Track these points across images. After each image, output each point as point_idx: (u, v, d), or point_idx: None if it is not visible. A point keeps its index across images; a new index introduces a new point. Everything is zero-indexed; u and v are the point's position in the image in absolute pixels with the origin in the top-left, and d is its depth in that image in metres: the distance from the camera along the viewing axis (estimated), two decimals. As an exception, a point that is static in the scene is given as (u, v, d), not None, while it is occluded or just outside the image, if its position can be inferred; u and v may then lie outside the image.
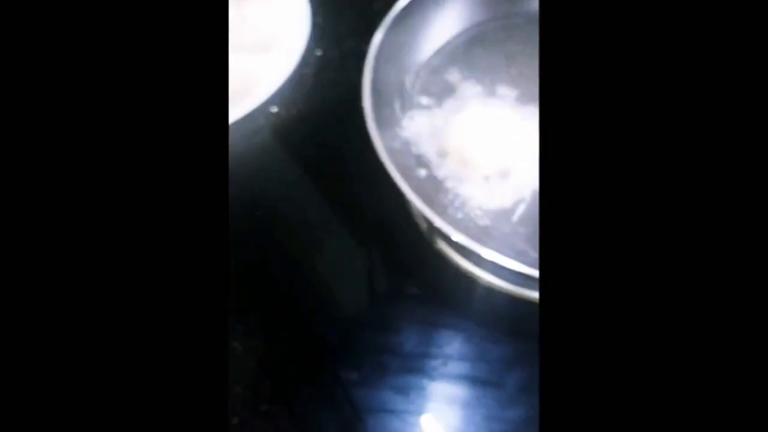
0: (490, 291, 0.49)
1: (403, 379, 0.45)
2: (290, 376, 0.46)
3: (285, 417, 0.45)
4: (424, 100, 0.55)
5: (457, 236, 0.42)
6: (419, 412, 0.44)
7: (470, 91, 0.55)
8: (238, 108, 0.53)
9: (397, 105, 0.53)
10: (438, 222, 0.42)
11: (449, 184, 0.49)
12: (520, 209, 0.48)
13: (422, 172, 0.50)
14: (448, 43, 0.58)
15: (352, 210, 0.54)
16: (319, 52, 0.64)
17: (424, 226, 0.52)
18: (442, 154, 0.51)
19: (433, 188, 0.49)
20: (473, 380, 0.45)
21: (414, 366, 0.46)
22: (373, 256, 0.53)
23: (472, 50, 0.58)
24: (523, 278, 0.49)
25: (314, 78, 0.62)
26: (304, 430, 0.44)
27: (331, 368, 0.46)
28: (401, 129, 0.52)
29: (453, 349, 0.47)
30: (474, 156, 0.48)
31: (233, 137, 0.51)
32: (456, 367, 0.46)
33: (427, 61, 0.57)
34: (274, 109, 0.59)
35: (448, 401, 0.45)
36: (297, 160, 0.58)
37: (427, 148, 0.51)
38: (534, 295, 0.48)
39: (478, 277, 0.49)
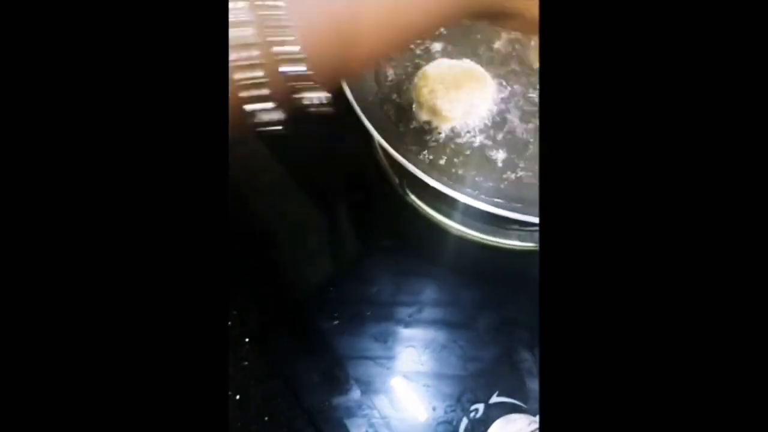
0: (460, 240, 0.51)
1: (379, 326, 0.47)
2: (270, 327, 0.47)
3: (266, 366, 0.46)
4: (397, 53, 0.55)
5: (432, 182, 0.43)
6: (397, 357, 0.46)
7: (438, 42, 0.55)
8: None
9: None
10: (413, 169, 0.43)
11: (424, 135, 0.50)
12: (494, 157, 0.50)
13: (396, 125, 0.51)
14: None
15: (325, 166, 0.55)
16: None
17: (395, 181, 0.53)
18: (415, 105, 0.51)
19: (409, 140, 0.50)
20: (447, 324, 0.48)
21: (390, 314, 0.48)
22: (347, 210, 0.54)
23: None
24: (490, 226, 0.51)
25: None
26: (286, 378, 0.45)
27: (311, 318, 0.47)
28: (374, 83, 0.53)
29: (426, 296, 0.49)
30: (444, 106, 0.49)
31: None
32: (430, 312, 0.48)
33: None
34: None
35: (424, 345, 0.47)
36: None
37: (399, 101, 0.52)
38: (501, 241, 0.51)
39: (449, 226, 0.51)
